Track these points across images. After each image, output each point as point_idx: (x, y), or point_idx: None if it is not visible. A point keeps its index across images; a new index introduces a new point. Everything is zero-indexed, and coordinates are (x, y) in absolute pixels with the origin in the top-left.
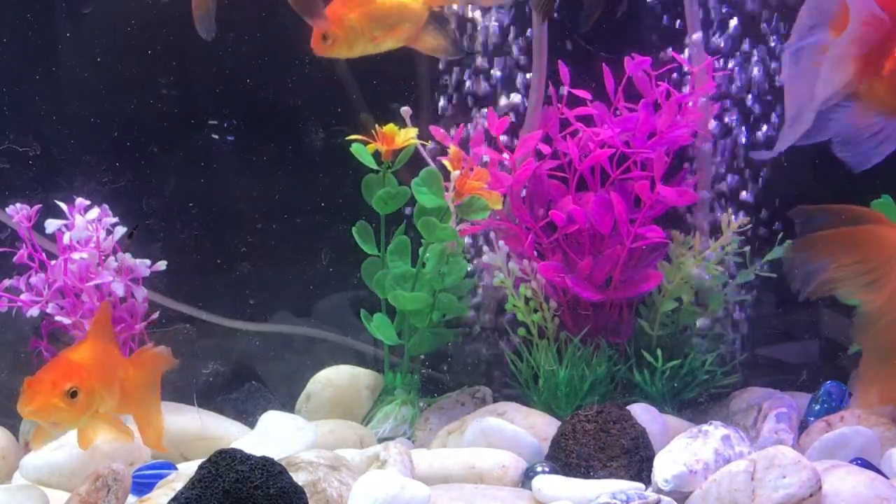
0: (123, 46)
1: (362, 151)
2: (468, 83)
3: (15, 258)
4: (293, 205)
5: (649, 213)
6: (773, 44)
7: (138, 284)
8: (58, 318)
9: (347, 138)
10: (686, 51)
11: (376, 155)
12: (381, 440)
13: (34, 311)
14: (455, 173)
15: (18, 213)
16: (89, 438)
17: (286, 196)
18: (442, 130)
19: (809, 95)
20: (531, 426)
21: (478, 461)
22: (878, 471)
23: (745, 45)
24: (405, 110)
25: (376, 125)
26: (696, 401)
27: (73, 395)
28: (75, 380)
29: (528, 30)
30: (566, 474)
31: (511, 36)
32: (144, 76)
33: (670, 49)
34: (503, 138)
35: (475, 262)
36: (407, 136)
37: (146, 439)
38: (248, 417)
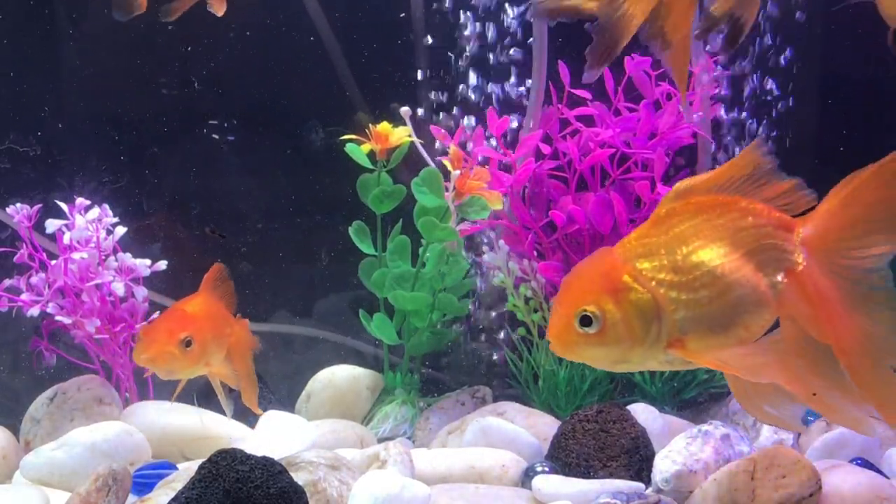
0: (123, 46)
1: (356, 151)
2: (468, 83)
3: (15, 258)
4: (293, 204)
5: (649, 213)
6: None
7: (139, 284)
8: (58, 317)
9: (342, 138)
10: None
11: (371, 154)
12: (381, 440)
13: (34, 311)
14: (455, 173)
15: (19, 212)
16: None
17: (286, 196)
18: (442, 130)
19: None
20: (531, 426)
21: (478, 461)
22: (878, 471)
23: None
24: (405, 110)
25: (371, 124)
26: (696, 400)
27: (188, 344)
28: (190, 329)
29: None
30: (566, 474)
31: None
32: (144, 76)
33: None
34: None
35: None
36: (400, 134)
37: (247, 397)
38: (248, 417)
